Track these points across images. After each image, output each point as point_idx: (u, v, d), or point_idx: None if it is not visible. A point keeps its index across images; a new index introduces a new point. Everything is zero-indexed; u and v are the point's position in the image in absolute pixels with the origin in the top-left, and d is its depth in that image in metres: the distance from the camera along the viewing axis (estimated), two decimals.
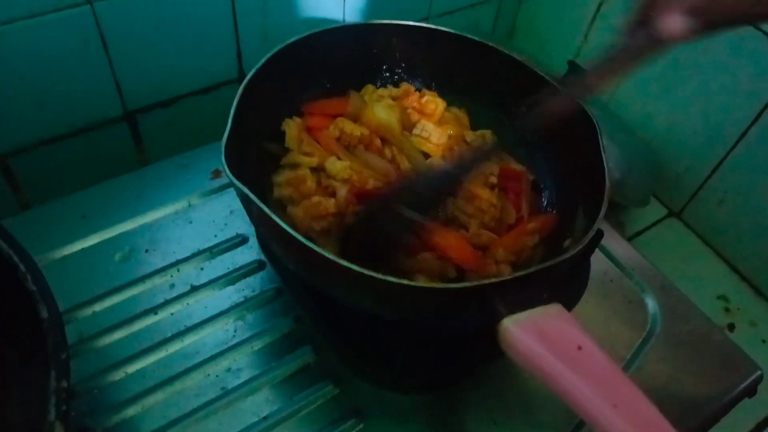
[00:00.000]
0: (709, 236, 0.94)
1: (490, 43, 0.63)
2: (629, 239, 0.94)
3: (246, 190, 0.45)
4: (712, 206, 0.90)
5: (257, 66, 0.56)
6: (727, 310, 0.87)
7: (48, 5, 0.61)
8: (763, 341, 0.83)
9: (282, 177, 0.57)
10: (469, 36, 0.64)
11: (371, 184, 0.56)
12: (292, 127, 0.60)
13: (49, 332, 0.37)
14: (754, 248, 0.87)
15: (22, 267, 0.39)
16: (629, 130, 0.91)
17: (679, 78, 0.86)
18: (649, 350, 0.60)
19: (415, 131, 0.64)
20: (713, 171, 0.88)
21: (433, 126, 0.64)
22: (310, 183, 0.56)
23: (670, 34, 0.44)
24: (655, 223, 0.97)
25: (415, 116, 0.67)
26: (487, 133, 0.66)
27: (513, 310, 0.42)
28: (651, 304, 0.64)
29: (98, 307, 0.57)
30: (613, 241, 0.69)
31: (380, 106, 0.63)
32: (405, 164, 0.61)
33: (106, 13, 0.65)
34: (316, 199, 0.54)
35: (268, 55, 0.58)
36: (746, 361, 0.61)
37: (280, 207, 0.56)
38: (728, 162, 0.85)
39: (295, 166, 0.58)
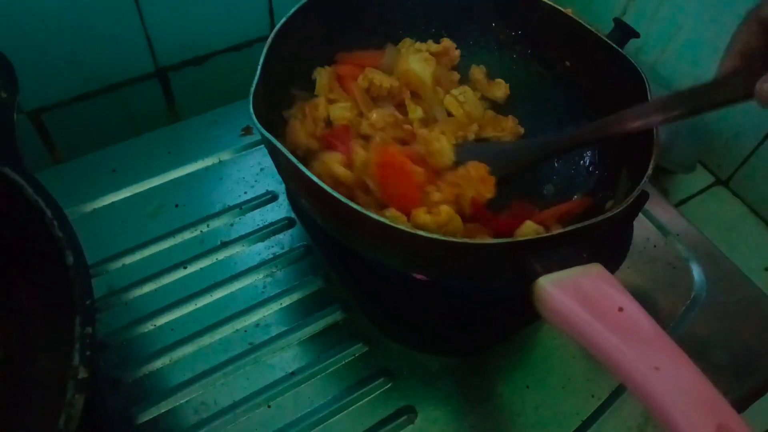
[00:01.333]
0: (757, 205, 0.89)
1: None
2: (675, 206, 0.90)
3: (273, 140, 0.43)
4: (761, 175, 0.86)
5: (285, 17, 0.55)
6: None
7: None
8: None
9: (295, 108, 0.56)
10: None
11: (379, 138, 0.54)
12: (323, 75, 0.58)
13: (75, 279, 0.37)
14: None
15: (48, 213, 0.39)
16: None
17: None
18: (694, 317, 0.57)
19: (455, 91, 0.62)
20: (764, 139, 0.83)
21: (473, 95, 0.62)
22: (322, 110, 0.55)
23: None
24: (700, 191, 0.93)
25: (455, 76, 0.64)
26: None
27: (550, 268, 0.40)
28: (696, 270, 0.61)
29: (128, 260, 0.57)
30: (657, 205, 0.66)
31: (415, 58, 0.60)
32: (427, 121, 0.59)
33: None
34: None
35: (296, 6, 0.56)
36: None
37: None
38: None
39: None
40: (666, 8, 0.88)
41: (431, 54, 0.63)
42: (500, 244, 0.42)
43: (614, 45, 0.56)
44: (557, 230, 0.42)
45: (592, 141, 0.56)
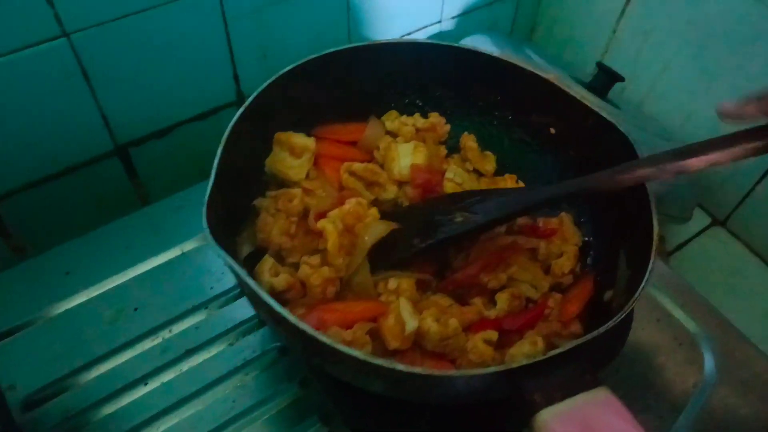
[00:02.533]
0: (757, 245, 0.87)
1: (516, 62, 0.55)
2: (672, 252, 0.87)
3: (231, 261, 0.38)
4: (759, 214, 0.84)
5: (254, 94, 0.50)
6: None
7: (23, 41, 0.58)
8: None
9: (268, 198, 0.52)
10: (483, 51, 0.56)
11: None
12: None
13: None
14: None
15: None
16: (668, 137, 0.83)
17: (722, 74, 0.80)
18: (706, 402, 0.53)
19: (448, 174, 0.58)
20: (761, 178, 0.81)
21: (463, 171, 0.59)
22: (297, 203, 0.51)
23: None
24: (698, 233, 0.89)
25: (443, 151, 0.61)
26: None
27: (551, 399, 0.36)
28: (705, 348, 0.56)
29: (84, 378, 0.52)
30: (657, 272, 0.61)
31: (405, 151, 0.56)
32: None
33: (84, 44, 0.61)
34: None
35: (262, 85, 0.52)
36: None
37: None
38: None
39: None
40: (652, 46, 0.86)
41: (418, 129, 0.59)
42: (493, 373, 0.37)
43: (600, 112, 0.52)
44: (555, 351, 0.37)
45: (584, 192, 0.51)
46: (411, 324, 0.44)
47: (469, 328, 0.47)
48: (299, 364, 0.53)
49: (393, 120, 0.61)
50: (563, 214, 0.56)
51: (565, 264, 0.53)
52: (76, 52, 0.61)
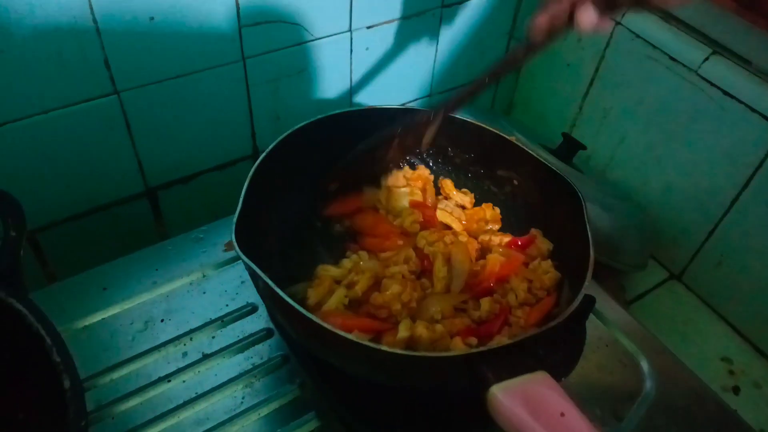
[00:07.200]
0: (710, 298, 0.95)
1: (482, 125, 0.68)
2: (631, 302, 0.95)
3: (250, 263, 0.49)
4: (710, 268, 0.92)
5: (270, 147, 0.62)
6: (731, 372, 0.88)
7: (80, 96, 0.68)
8: None
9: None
10: (458, 117, 0.68)
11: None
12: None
13: (71, 401, 0.41)
14: (755, 309, 0.88)
15: (48, 340, 0.43)
16: (625, 197, 0.95)
17: (669, 146, 0.90)
18: (645, 414, 0.62)
19: (440, 206, 0.70)
20: (709, 234, 0.90)
21: (452, 204, 0.71)
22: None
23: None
24: (656, 286, 0.98)
25: (432, 192, 0.73)
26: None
27: (501, 377, 0.45)
28: (646, 367, 0.66)
29: (116, 375, 0.60)
30: (608, 306, 0.71)
31: (403, 195, 0.68)
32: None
33: (130, 101, 0.72)
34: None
35: (275, 142, 0.63)
36: (743, 426, 0.62)
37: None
38: (723, 225, 0.87)
39: None
40: (610, 121, 0.98)
41: (407, 179, 0.71)
42: (456, 356, 0.47)
43: (552, 167, 0.64)
44: (507, 341, 0.48)
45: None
46: (403, 333, 0.54)
47: (457, 333, 0.57)
48: (299, 369, 0.62)
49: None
50: (533, 229, 0.67)
51: (546, 281, 0.62)
52: (123, 107, 0.71)
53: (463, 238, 0.66)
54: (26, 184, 0.70)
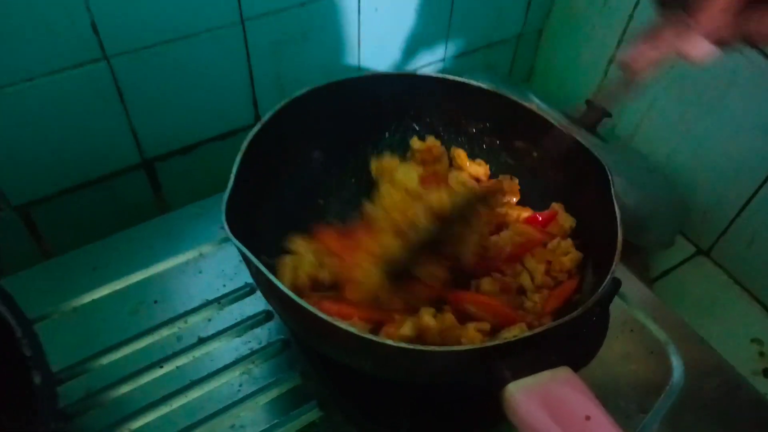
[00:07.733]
0: (740, 275, 0.90)
1: (498, 91, 0.62)
2: (656, 279, 0.91)
3: (242, 246, 0.45)
4: (741, 245, 0.87)
5: (264, 118, 0.57)
6: (761, 354, 0.83)
7: (66, 62, 0.63)
8: None
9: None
10: (471, 83, 0.63)
11: None
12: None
13: (42, 399, 0.37)
14: None
15: (19, 331, 0.39)
16: (653, 169, 0.89)
17: (702, 114, 0.85)
18: (673, 406, 0.57)
19: (450, 176, 0.64)
20: (741, 209, 0.85)
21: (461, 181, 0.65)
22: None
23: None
24: (683, 262, 0.94)
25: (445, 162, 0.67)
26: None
27: (518, 374, 0.41)
28: (674, 356, 0.61)
29: (106, 360, 0.57)
30: (632, 286, 0.66)
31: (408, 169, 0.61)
32: None
33: (121, 67, 0.67)
34: None
35: (276, 107, 0.58)
36: None
37: None
38: (756, 201, 0.82)
39: None
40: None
41: (415, 150, 0.65)
42: (469, 350, 0.42)
43: (577, 137, 0.58)
44: (524, 334, 0.43)
45: None
46: (405, 330, 0.49)
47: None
48: (300, 355, 0.58)
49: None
50: (554, 204, 0.62)
51: (566, 263, 0.57)
52: (114, 73, 0.67)
53: None
54: (14, 155, 0.66)
